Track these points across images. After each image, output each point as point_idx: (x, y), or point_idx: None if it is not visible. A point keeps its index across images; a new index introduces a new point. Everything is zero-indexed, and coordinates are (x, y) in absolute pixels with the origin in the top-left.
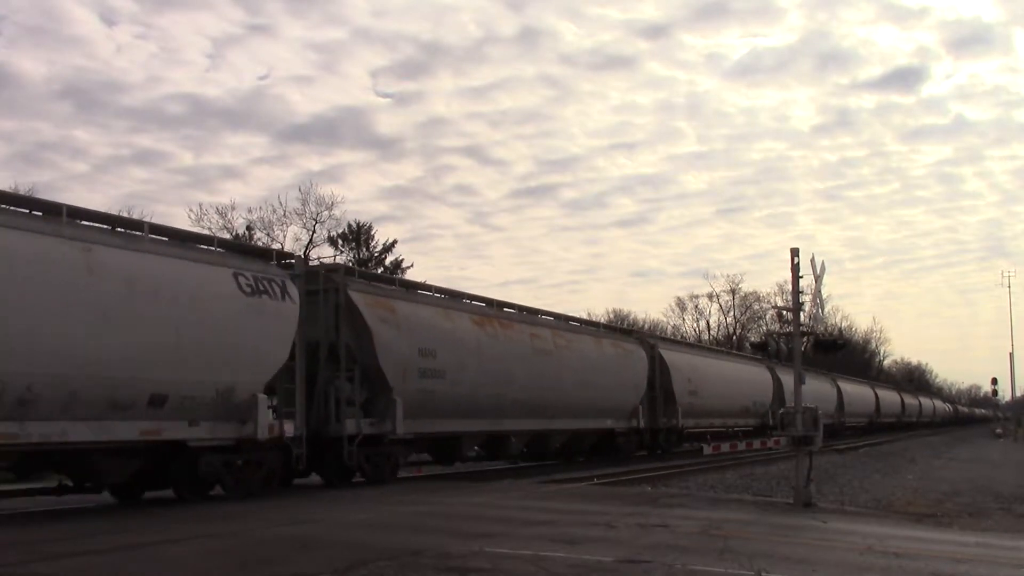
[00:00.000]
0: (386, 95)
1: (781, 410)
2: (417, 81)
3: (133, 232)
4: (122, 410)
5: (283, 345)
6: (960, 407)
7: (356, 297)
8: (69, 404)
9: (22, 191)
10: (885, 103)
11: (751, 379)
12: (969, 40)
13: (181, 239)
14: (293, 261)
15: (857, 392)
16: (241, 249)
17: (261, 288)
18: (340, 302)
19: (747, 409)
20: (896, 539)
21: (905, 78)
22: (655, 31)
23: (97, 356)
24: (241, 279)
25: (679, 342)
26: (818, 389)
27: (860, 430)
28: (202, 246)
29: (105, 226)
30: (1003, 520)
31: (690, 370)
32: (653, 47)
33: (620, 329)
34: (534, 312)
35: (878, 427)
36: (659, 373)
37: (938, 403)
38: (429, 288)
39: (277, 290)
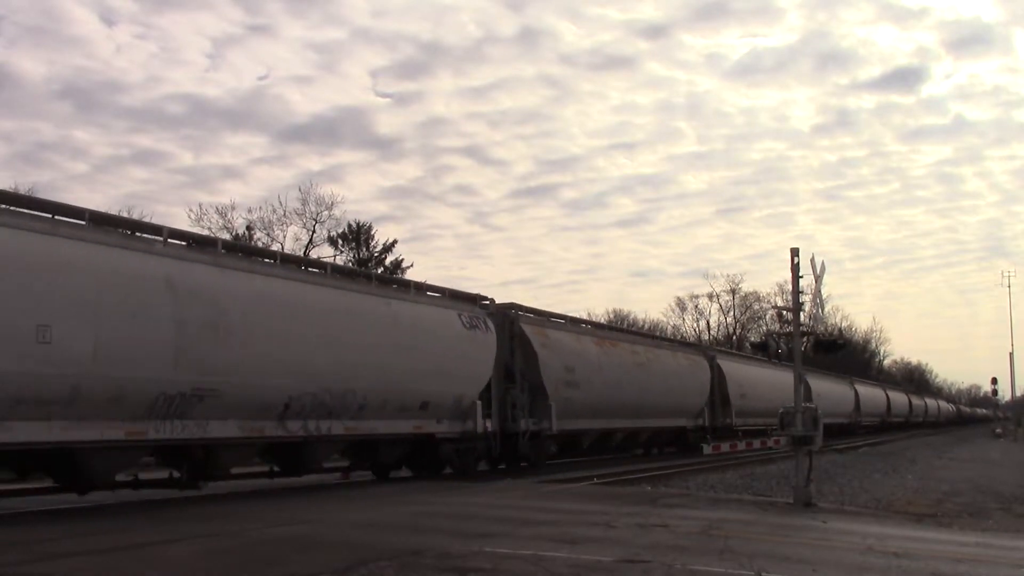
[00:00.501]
0: (386, 95)
1: (781, 410)
2: (417, 81)
3: (396, 285)
4: (405, 412)
5: (488, 365)
6: (964, 407)
7: (526, 328)
8: (382, 408)
9: (22, 191)
10: (885, 103)
11: (785, 382)
12: (969, 40)
13: (420, 289)
14: (488, 302)
15: (871, 394)
16: (457, 295)
17: (474, 324)
18: (514, 332)
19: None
20: (896, 539)
21: (905, 78)
22: (655, 31)
23: (398, 376)
24: (463, 318)
25: (732, 353)
26: (838, 391)
27: (873, 429)
28: (433, 294)
29: (375, 280)
30: (1003, 520)
31: (740, 376)
32: (653, 47)
33: (687, 343)
34: (626, 331)
35: (889, 426)
36: (717, 380)
37: (943, 404)
38: (561, 316)
39: (482, 325)
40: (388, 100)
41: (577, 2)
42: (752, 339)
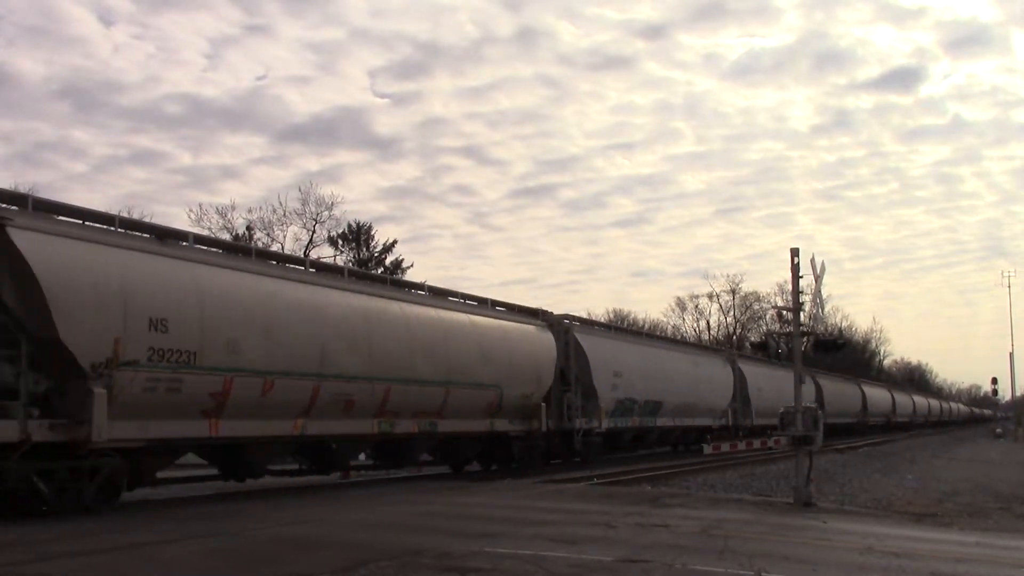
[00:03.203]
0: (384, 95)
1: (782, 410)
2: (415, 81)
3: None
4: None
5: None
6: (975, 409)
7: (580, 338)
8: None
9: (22, 191)
10: (883, 103)
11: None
12: (966, 40)
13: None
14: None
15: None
16: (521, 310)
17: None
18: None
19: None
20: (896, 539)
21: (903, 78)
22: (653, 31)
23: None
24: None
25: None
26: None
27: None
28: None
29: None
30: (1003, 520)
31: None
32: (651, 47)
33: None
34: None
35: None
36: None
37: (962, 406)
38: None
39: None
40: (387, 100)
41: (575, 2)
42: (752, 339)
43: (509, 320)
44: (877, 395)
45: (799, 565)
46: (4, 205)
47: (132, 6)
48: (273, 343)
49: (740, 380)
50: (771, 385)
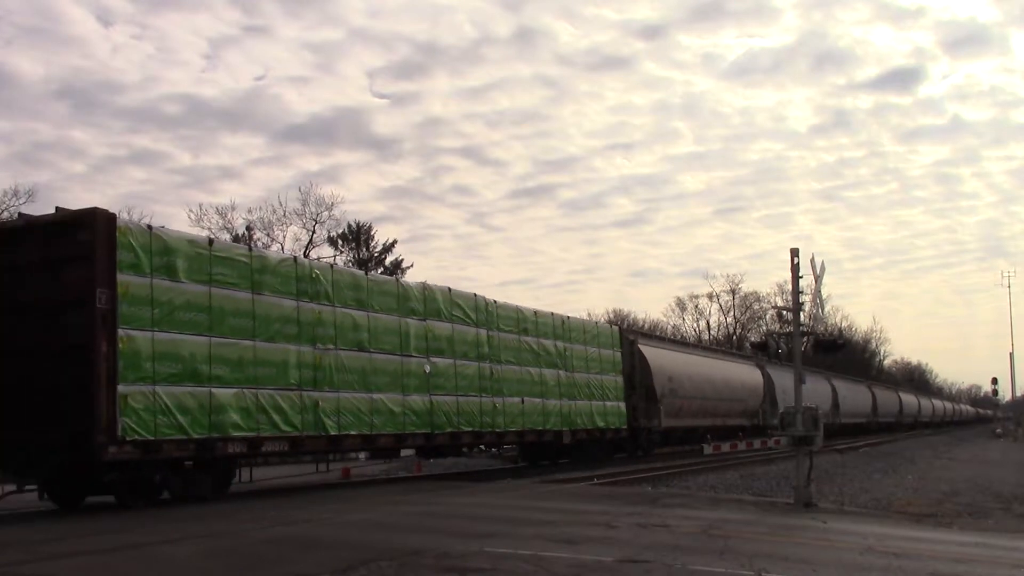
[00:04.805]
0: (383, 96)
1: (782, 410)
2: (414, 81)
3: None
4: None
5: None
6: (980, 410)
7: (770, 371)
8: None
9: (22, 191)
10: (882, 103)
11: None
12: (965, 41)
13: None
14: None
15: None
16: (742, 356)
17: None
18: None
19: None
20: (896, 539)
21: (902, 78)
22: (651, 31)
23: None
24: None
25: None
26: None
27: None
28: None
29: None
30: (1003, 520)
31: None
32: (649, 47)
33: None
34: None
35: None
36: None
37: (968, 407)
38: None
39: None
40: (386, 100)
41: (573, 2)
42: (752, 339)
43: (740, 363)
44: (910, 400)
45: (799, 565)
46: (634, 332)
47: (131, 6)
48: (693, 384)
49: (834, 391)
50: (853, 395)
